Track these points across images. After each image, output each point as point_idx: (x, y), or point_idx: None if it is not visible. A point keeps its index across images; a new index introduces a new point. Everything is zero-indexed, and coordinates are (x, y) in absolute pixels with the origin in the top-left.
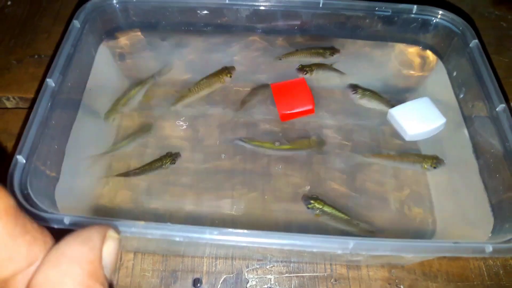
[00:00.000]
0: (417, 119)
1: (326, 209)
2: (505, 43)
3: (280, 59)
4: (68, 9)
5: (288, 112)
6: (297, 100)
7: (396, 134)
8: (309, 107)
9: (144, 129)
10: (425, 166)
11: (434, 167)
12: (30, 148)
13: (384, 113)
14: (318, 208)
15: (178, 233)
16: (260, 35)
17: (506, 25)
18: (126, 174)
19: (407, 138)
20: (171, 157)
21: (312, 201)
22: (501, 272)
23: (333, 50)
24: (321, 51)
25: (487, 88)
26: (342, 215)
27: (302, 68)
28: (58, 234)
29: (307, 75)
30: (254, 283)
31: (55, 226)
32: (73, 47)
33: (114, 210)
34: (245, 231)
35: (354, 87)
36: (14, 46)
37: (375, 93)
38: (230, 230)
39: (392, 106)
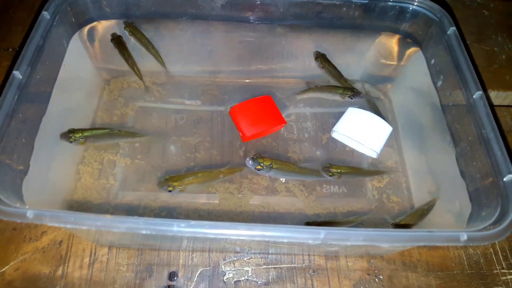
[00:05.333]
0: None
1: (343, 170)
2: (486, 32)
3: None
4: (44, 2)
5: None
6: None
7: None
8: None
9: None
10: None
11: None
12: None
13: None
14: (337, 173)
15: (145, 226)
16: (238, 25)
17: (488, 14)
18: None
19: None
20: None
21: (331, 169)
22: (482, 260)
23: (353, 93)
24: (340, 91)
25: (464, 76)
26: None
27: (318, 55)
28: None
29: (317, 63)
30: (231, 275)
31: (18, 221)
32: (43, 39)
33: (87, 204)
34: (213, 223)
35: None
36: None
37: None
38: (198, 222)
39: None
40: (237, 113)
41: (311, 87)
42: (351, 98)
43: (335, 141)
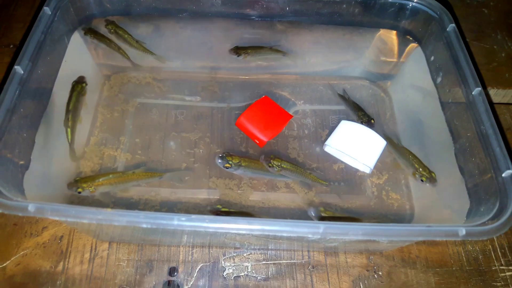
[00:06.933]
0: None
1: (284, 165)
2: (486, 30)
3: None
4: None
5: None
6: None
7: None
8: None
9: None
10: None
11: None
12: None
13: None
14: (276, 165)
15: (145, 220)
16: (238, 22)
17: (487, 12)
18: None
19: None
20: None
21: (271, 161)
22: (480, 257)
23: (367, 121)
24: (360, 113)
25: (463, 72)
26: (297, 168)
27: (236, 50)
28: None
29: (240, 58)
30: (231, 271)
31: (20, 214)
32: (44, 35)
33: (88, 199)
34: (213, 217)
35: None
36: None
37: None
38: (198, 216)
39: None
40: (245, 123)
41: (346, 97)
42: (361, 123)
43: None
